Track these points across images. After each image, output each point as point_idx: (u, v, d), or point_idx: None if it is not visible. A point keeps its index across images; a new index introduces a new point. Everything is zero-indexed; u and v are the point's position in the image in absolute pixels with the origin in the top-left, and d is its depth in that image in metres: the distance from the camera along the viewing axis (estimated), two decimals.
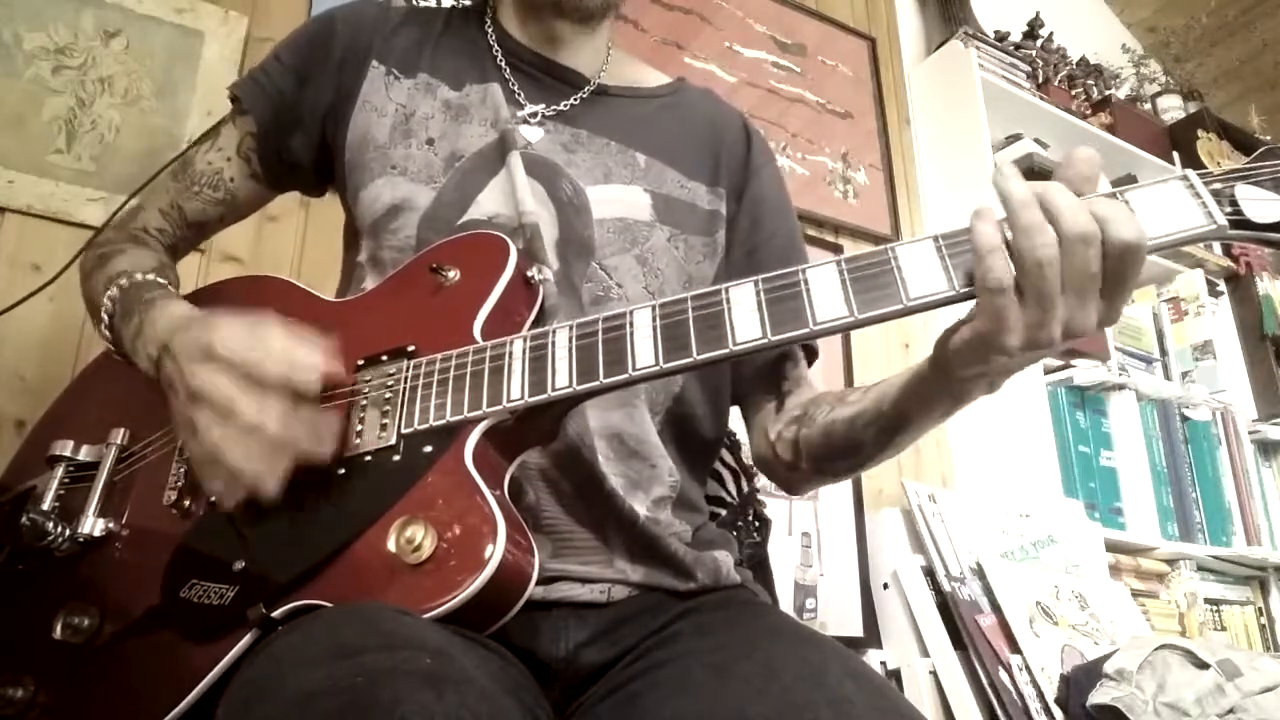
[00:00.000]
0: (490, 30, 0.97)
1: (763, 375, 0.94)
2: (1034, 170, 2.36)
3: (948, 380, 0.69)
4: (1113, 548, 2.08)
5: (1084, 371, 2.21)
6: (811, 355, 0.97)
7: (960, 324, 0.64)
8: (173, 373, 0.70)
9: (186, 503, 0.75)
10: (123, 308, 0.81)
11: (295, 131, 0.93)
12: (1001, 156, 2.43)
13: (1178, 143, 2.99)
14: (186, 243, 0.97)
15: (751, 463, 0.99)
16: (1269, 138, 3.21)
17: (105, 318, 0.83)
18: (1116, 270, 0.58)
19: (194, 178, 0.94)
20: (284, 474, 0.66)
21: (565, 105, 0.93)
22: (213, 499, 0.72)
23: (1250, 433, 2.57)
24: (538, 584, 0.66)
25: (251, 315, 0.70)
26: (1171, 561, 2.23)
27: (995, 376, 0.66)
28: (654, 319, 0.67)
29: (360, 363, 0.76)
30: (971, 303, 0.63)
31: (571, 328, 0.69)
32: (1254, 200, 0.61)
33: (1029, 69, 2.66)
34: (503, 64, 0.94)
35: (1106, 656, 1.55)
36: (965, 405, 0.71)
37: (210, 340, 0.68)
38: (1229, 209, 0.61)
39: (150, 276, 0.84)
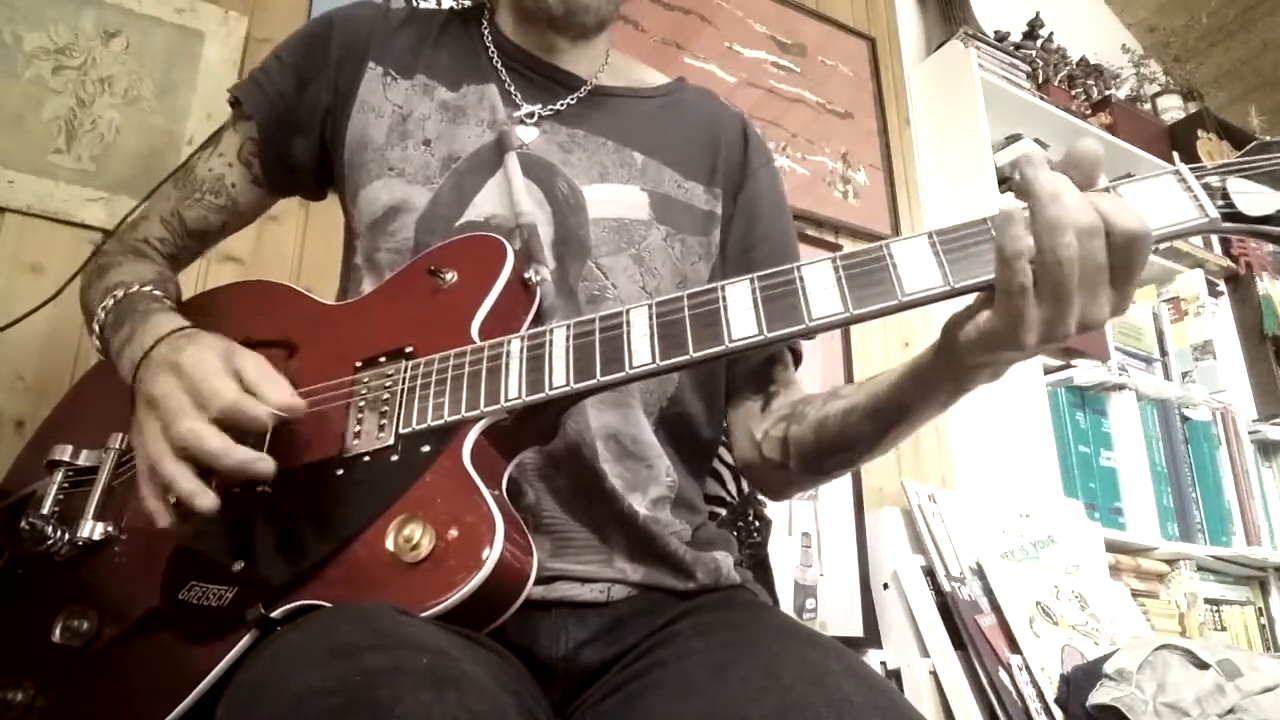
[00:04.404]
0: (487, 32, 0.97)
1: (750, 377, 0.94)
2: None
3: (953, 369, 0.69)
4: (1113, 548, 2.08)
5: (1084, 371, 2.20)
6: (797, 359, 0.96)
7: (969, 316, 0.64)
8: (141, 379, 0.71)
9: None
10: (115, 318, 0.81)
11: (296, 134, 0.93)
12: (1001, 156, 2.42)
13: (1178, 143, 2.98)
14: (188, 253, 0.97)
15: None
16: (1269, 138, 3.20)
17: (96, 328, 0.83)
18: (1124, 262, 0.59)
19: (195, 184, 0.94)
20: (216, 493, 0.66)
21: (561, 105, 0.93)
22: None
23: (1250, 433, 2.57)
24: (537, 583, 0.66)
25: (239, 334, 0.71)
26: (1171, 561, 2.23)
27: (1001, 366, 0.68)
28: (650, 317, 0.67)
29: (358, 364, 0.76)
30: (967, 297, 0.63)
31: (569, 327, 0.69)
32: (1246, 193, 0.61)
33: (1029, 69, 2.65)
34: (499, 65, 0.94)
35: (1106, 656, 1.55)
36: (966, 394, 0.72)
37: (179, 355, 0.69)
38: (1221, 202, 0.62)
39: (147, 289, 0.84)
